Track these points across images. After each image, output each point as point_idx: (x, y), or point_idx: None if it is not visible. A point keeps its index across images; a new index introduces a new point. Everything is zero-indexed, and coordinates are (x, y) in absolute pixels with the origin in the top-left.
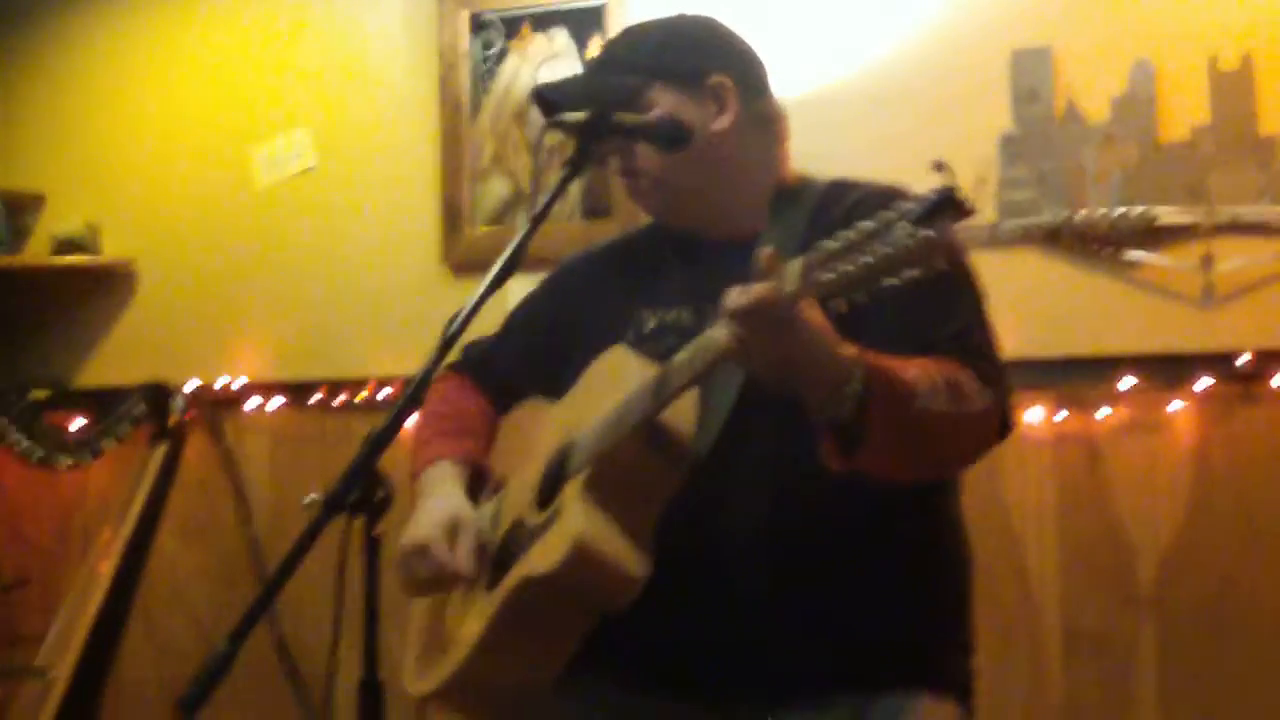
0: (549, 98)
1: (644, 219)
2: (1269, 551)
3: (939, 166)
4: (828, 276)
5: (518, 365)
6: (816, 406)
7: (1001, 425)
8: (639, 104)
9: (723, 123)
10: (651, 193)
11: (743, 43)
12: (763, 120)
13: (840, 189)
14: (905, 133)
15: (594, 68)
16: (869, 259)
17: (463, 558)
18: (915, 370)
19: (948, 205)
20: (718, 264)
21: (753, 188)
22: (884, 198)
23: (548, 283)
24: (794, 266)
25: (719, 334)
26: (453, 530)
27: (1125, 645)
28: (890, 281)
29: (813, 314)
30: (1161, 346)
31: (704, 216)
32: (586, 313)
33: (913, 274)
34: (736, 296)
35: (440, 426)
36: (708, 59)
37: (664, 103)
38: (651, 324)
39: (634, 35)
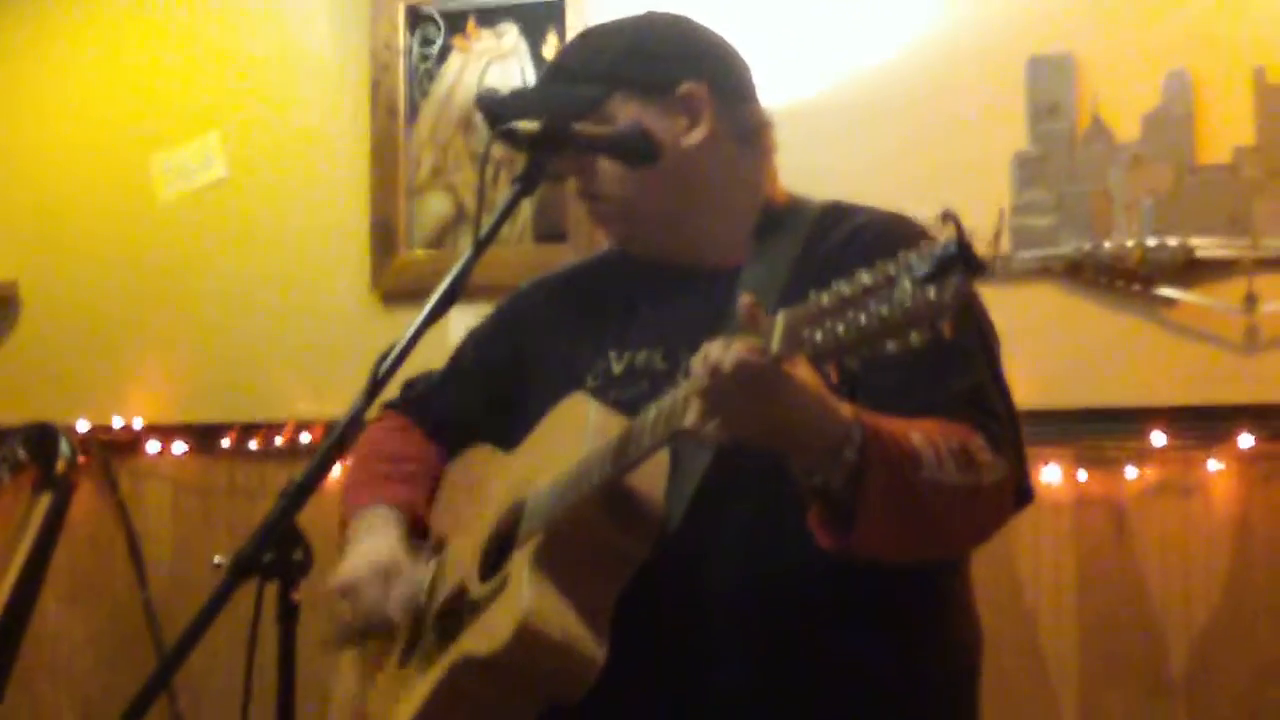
0: (496, 111)
1: (606, 242)
2: None
3: (948, 217)
4: (816, 337)
5: (464, 408)
6: (803, 473)
7: (1018, 497)
8: (599, 117)
9: (694, 137)
10: (616, 218)
11: (721, 43)
12: (744, 132)
13: (837, 213)
14: (906, 149)
15: (548, 76)
16: (864, 320)
17: (396, 604)
18: (919, 435)
19: (959, 262)
20: (694, 299)
21: (733, 211)
22: (886, 230)
23: (500, 314)
24: (777, 323)
25: (691, 392)
26: (386, 575)
27: None
28: (888, 347)
29: (799, 371)
30: (1198, 398)
31: (677, 243)
32: (544, 351)
33: (914, 340)
34: (709, 357)
35: (375, 470)
36: (678, 65)
37: (625, 115)
38: (619, 367)
39: (594, 39)
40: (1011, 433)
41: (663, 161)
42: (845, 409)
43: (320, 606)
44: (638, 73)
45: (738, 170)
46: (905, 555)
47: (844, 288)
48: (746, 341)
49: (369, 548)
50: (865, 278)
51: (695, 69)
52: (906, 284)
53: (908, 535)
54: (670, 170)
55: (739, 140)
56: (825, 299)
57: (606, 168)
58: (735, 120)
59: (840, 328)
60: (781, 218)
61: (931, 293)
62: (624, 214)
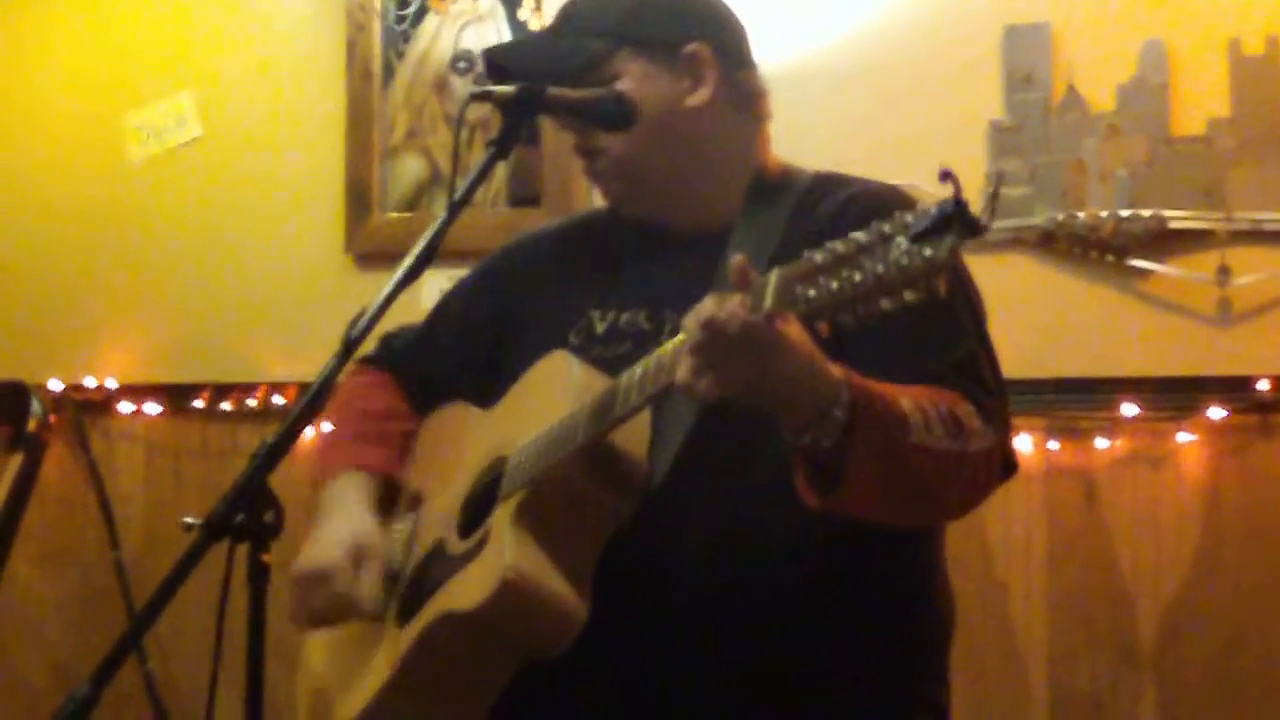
0: (500, 62)
1: (580, 206)
2: None
3: (946, 176)
4: (810, 294)
5: (445, 363)
6: (792, 431)
7: (1003, 468)
8: (603, 72)
9: (699, 98)
10: (612, 175)
11: (723, 6)
12: (743, 97)
13: (829, 183)
14: (881, 115)
15: (554, 28)
16: (859, 277)
17: (367, 589)
18: (908, 400)
19: (955, 222)
20: (681, 261)
21: (728, 175)
22: (879, 201)
23: (484, 269)
24: (771, 280)
25: (678, 350)
26: (357, 556)
27: (1122, 711)
28: (882, 305)
29: (791, 329)
30: (1170, 369)
31: (671, 205)
32: (528, 307)
33: (909, 298)
34: (702, 313)
35: (350, 428)
36: (684, 24)
37: (632, 72)
38: (601, 326)
39: None
40: (999, 403)
41: (664, 121)
42: (835, 369)
43: (287, 586)
44: (644, 30)
45: (734, 135)
46: (890, 518)
47: (838, 245)
48: (740, 298)
49: (337, 524)
50: (860, 236)
51: (700, 30)
52: (902, 241)
53: (894, 497)
54: (671, 130)
55: (737, 105)
56: (820, 256)
57: None
58: (735, 85)
59: (834, 284)
60: (773, 185)
61: (927, 250)
62: (622, 172)
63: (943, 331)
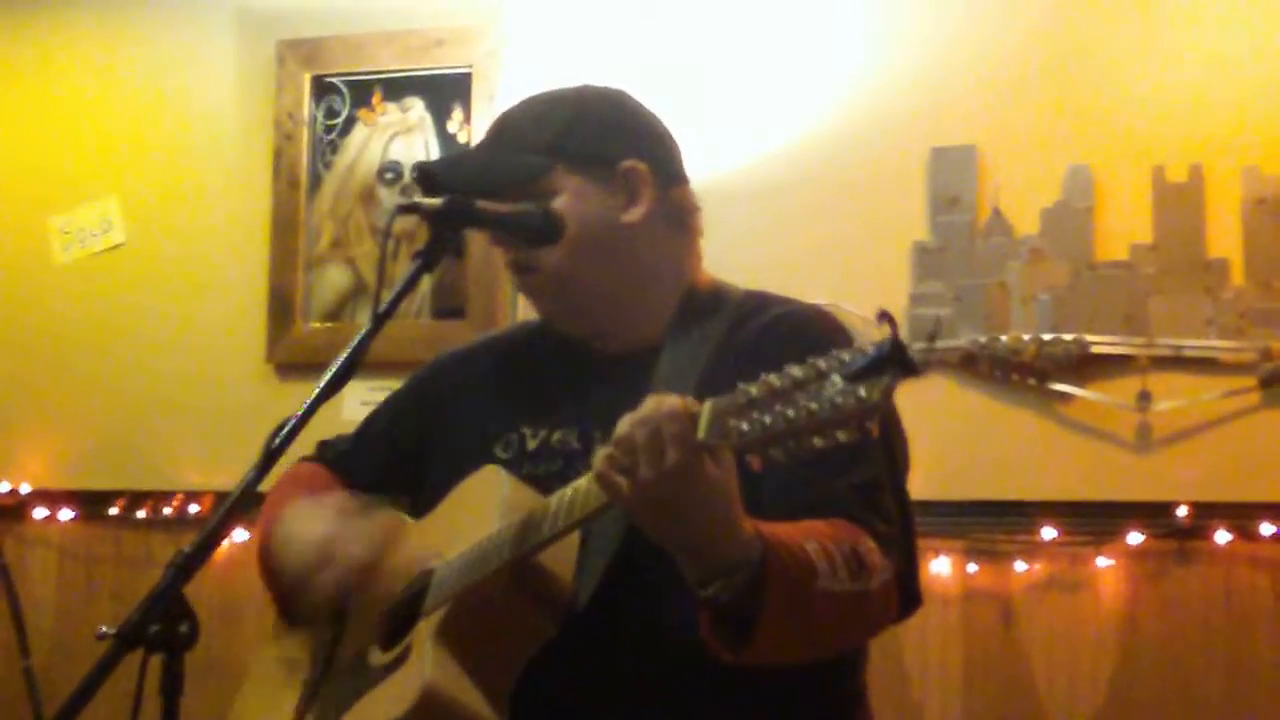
0: (436, 176)
1: (504, 319)
2: None
3: (884, 317)
4: (743, 427)
5: (375, 474)
6: (697, 581)
7: (905, 599)
8: (539, 187)
9: (634, 214)
10: (546, 291)
11: (658, 123)
12: (676, 213)
13: (757, 303)
14: (805, 235)
15: (490, 142)
16: (792, 413)
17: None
18: (814, 545)
19: (892, 362)
20: (611, 380)
21: (660, 291)
22: (804, 323)
23: (413, 383)
24: (704, 411)
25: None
26: (325, 555)
27: None
28: (814, 442)
29: (718, 470)
30: (1089, 493)
31: (605, 322)
32: (458, 421)
33: (841, 437)
34: (639, 412)
35: (296, 493)
36: (620, 141)
37: (568, 188)
38: (532, 443)
39: (536, 108)
40: (901, 535)
41: (601, 238)
42: (748, 526)
43: (205, 678)
44: (581, 146)
45: (667, 251)
46: (793, 660)
47: (774, 380)
48: (677, 402)
49: (308, 529)
50: (796, 371)
51: (636, 147)
52: (837, 379)
53: (799, 644)
54: (606, 246)
55: (670, 222)
56: (754, 390)
57: None
58: (669, 201)
59: (767, 419)
60: (704, 303)
61: (862, 390)
62: (556, 287)
63: (849, 456)
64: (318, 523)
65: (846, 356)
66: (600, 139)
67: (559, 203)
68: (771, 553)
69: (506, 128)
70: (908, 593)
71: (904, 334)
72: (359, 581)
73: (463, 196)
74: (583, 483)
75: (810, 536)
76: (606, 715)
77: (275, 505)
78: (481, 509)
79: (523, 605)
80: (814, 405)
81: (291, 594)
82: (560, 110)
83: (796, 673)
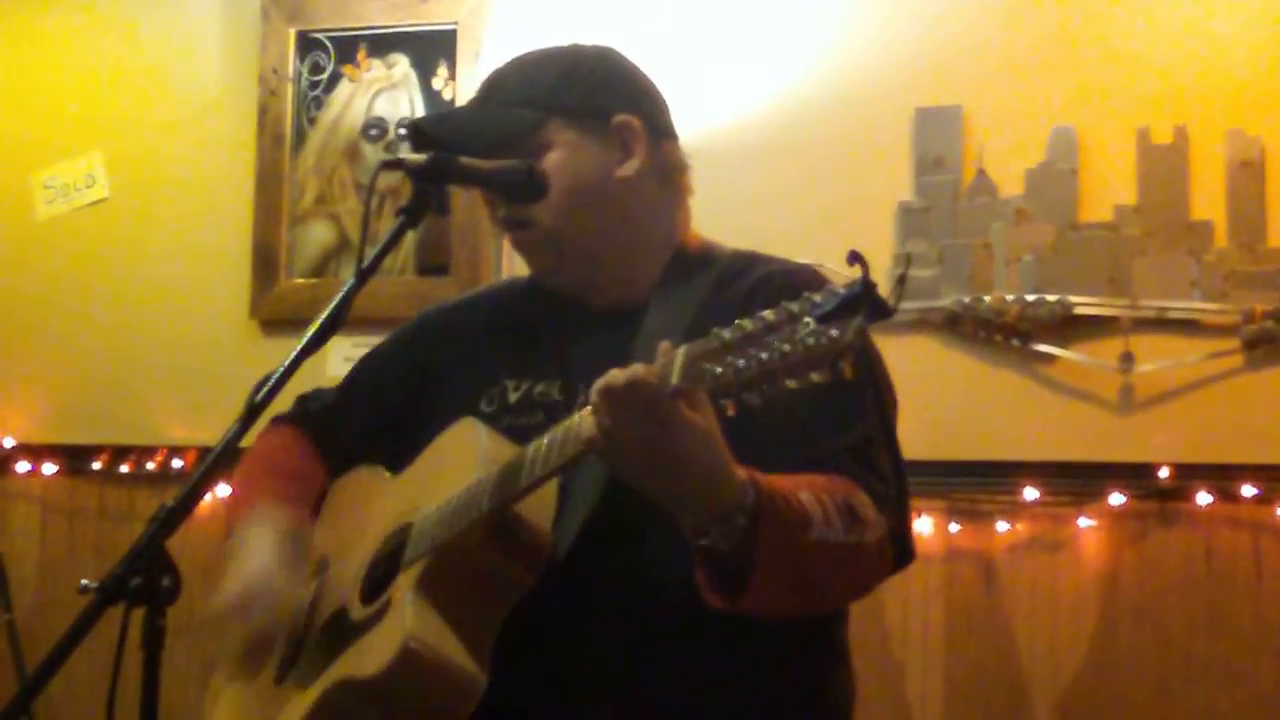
0: (431, 132)
1: (488, 276)
2: (1182, 693)
3: (855, 258)
4: (716, 371)
5: (358, 428)
6: (693, 531)
7: (898, 555)
8: (535, 141)
9: (629, 168)
10: (542, 247)
11: (647, 80)
12: (667, 170)
13: (745, 261)
14: (790, 195)
15: (482, 98)
16: (765, 356)
17: (233, 643)
18: (808, 494)
19: (863, 303)
20: (598, 335)
21: (651, 248)
22: (792, 280)
23: (399, 336)
24: (678, 356)
25: (586, 422)
26: (245, 605)
27: None
28: (788, 384)
29: (699, 417)
30: (1071, 454)
31: (595, 278)
32: (441, 374)
33: (815, 379)
34: (609, 380)
35: (263, 484)
36: (613, 96)
37: (563, 141)
38: (515, 396)
39: (527, 65)
40: (895, 491)
41: (595, 192)
42: (739, 470)
43: (190, 633)
44: (575, 100)
45: (659, 208)
46: (788, 611)
47: (746, 324)
48: (646, 366)
49: (233, 576)
50: (768, 315)
51: (628, 101)
52: (809, 321)
53: (794, 594)
54: (603, 200)
55: (661, 178)
56: (727, 334)
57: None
58: (660, 157)
59: (741, 362)
60: (692, 262)
61: (834, 331)
62: (553, 242)
63: (842, 413)
64: (252, 563)
65: (818, 298)
66: (593, 93)
67: (553, 156)
68: (765, 499)
69: (498, 84)
70: (901, 547)
71: (886, 290)
72: (254, 646)
73: (446, 153)
74: (559, 431)
75: (804, 487)
76: (586, 665)
77: (241, 492)
78: (459, 461)
79: (502, 556)
80: (786, 347)
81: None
82: (552, 65)
83: (777, 628)
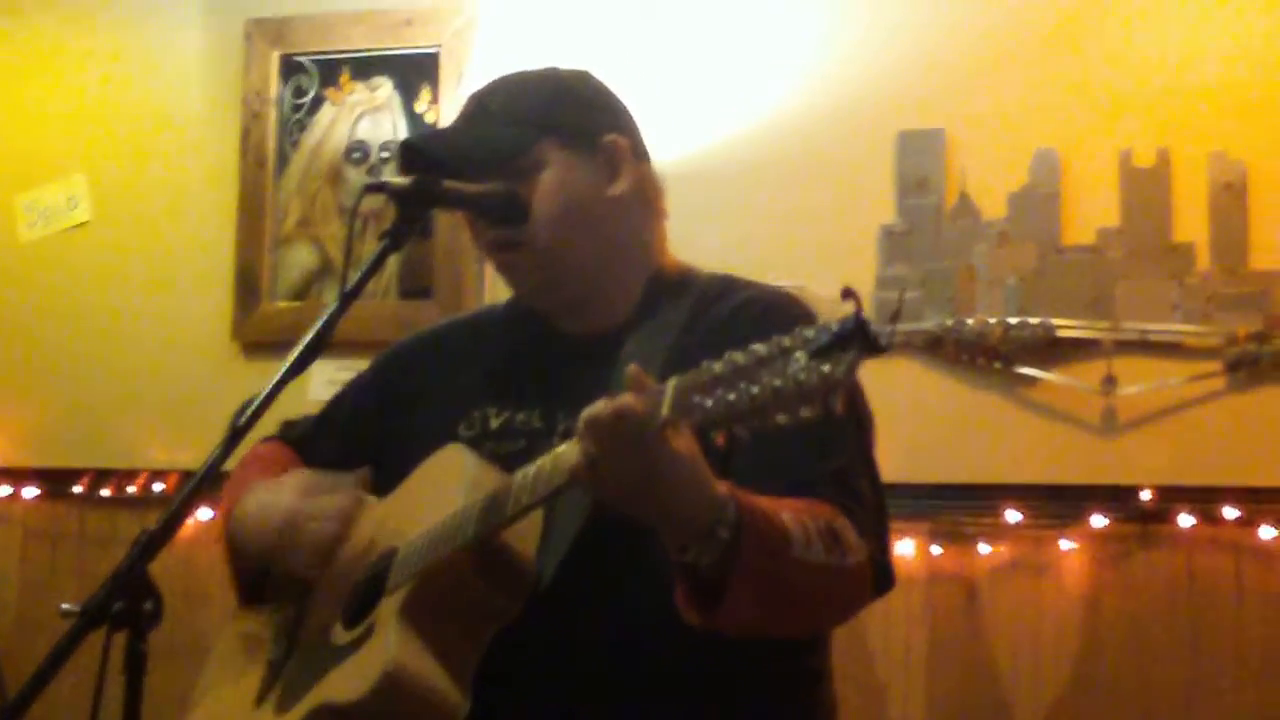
0: (422, 151)
1: (471, 299)
2: (1165, 715)
3: (848, 294)
4: (707, 404)
5: (337, 453)
6: (675, 548)
7: (878, 581)
8: (527, 160)
9: (618, 188)
10: (532, 267)
11: (623, 102)
12: (647, 192)
13: (724, 286)
14: (773, 217)
15: (470, 118)
16: (756, 390)
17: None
18: (791, 514)
19: (855, 339)
20: (576, 361)
21: (630, 270)
22: (773, 306)
23: (379, 363)
24: (668, 389)
25: (572, 451)
26: (292, 526)
27: None
28: (778, 419)
29: (682, 442)
30: (1054, 476)
31: (577, 300)
32: (422, 402)
33: (805, 414)
34: (596, 411)
35: (257, 472)
36: (601, 115)
37: (556, 161)
38: (495, 423)
39: (514, 86)
40: (875, 518)
41: (588, 210)
42: (721, 486)
43: (170, 657)
44: (566, 120)
45: (640, 230)
46: (768, 633)
47: (738, 357)
48: (635, 396)
49: (269, 502)
50: (760, 348)
51: (615, 122)
52: (801, 356)
53: (774, 614)
54: (594, 220)
55: (642, 200)
56: (718, 367)
57: (537, 215)
58: (641, 179)
59: (731, 396)
60: (670, 285)
61: (825, 366)
62: (544, 262)
63: (822, 439)
64: (281, 499)
65: (810, 333)
66: (584, 113)
67: (547, 175)
68: (746, 514)
69: (486, 103)
70: (881, 572)
71: (872, 316)
72: (325, 557)
73: (430, 176)
74: (546, 460)
75: (786, 509)
76: (569, 694)
77: (237, 485)
78: (445, 487)
79: (486, 584)
80: (778, 382)
81: (256, 571)
82: (542, 85)
83: (760, 651)
